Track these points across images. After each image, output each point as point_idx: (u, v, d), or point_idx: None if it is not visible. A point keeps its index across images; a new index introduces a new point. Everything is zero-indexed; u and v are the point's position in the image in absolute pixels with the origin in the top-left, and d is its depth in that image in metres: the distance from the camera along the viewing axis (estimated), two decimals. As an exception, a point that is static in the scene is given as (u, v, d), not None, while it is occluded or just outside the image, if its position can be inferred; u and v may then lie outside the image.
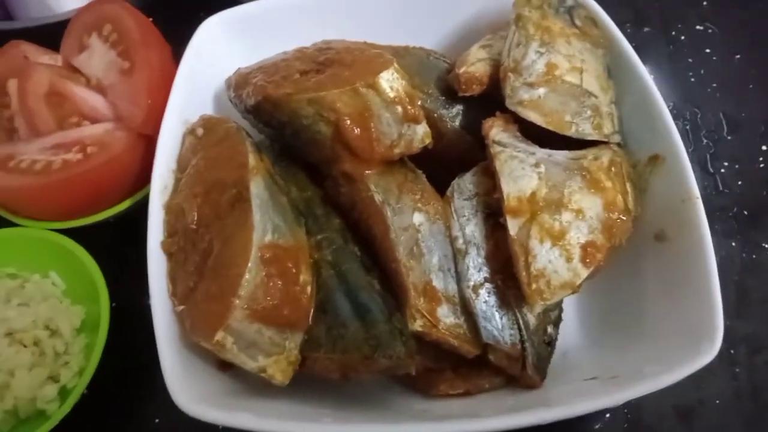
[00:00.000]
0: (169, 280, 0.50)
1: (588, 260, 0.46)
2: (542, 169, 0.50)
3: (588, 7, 0.60)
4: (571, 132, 0.53)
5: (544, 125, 0.53)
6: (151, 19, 0.66)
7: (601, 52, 0.58)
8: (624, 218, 0.49)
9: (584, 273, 0.46)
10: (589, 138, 0.54)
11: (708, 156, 0.73)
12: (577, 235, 0.47)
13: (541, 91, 0.53)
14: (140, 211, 0.54)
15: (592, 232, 0.48)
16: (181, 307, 0.48)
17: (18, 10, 0.77)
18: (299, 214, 0.52)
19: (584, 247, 0.47)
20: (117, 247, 0.64)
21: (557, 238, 0.47)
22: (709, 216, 0.50)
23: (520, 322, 0.49)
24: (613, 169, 0.51)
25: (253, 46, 0.63)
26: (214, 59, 0.62)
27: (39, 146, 0.60)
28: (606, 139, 0.54)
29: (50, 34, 0.66)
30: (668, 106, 0.54)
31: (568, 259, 0.46)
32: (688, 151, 0.52)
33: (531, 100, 0.53)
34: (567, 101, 0.53)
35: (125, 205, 0.62)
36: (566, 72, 0.54)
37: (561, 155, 0.52)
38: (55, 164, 0.58)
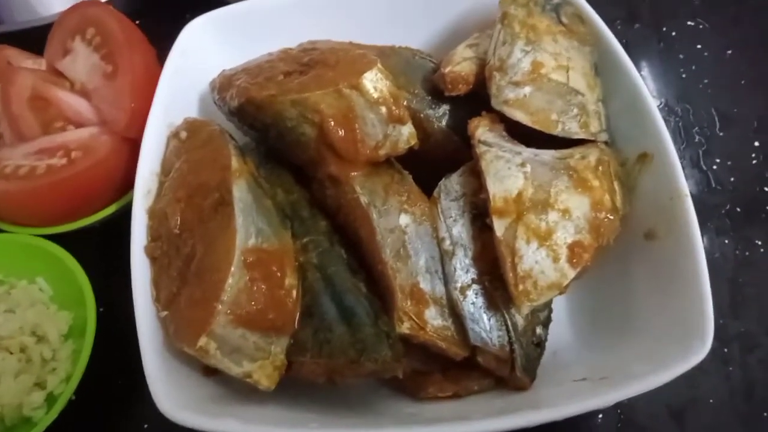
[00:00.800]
0: (153, 285, 0.50)
1: (575, 260, 0.46)
2: (528, 168, 0.49)
3: (575, 4, 0.59)
4: (558, 131, 0.53)
5: (530, 124, 0.52)
6: (138, 22, 0.65)
7: (588, 50, 0.57)
8: (612, 217, 0.48)
9: (571, 273, 0.46)
10: (576, 137, 0.53)
11: (700, 153, 0.72)
12: (564, 235, 0.47)
13: (527, 89, 0.53)
14: (126, 215, 0.53)
15: (579, 231, 0.47)
16: (165, 313, 0.48)
17: (2, 14, 0.76)
18: (285, 217, 0.51)
19: (571, 247, 0.46)
20: (103, 252, 0.64)
21: (544, 238, 0.46)
22: (702, 213, 0.49)
23: (509, 323, 0.48)
24: (600, 168, 0.50)
25: (239, 47, 0.62)
26: (199, 61, 0.61)
27: (23, 151, 0.60)
28: (593, 138, 0.54)
29: (34, 38, 0.66)
30: (659, 103, 0.54)
31: (555, 260, 0.46)
32: (680, 148, 0.52)
33: (517, 99, 0.52)
34: (553, 100, 0.53)
35: (111, 209, 0.61)
36: (552, 70, 0.54)
37: (547, 154, 0.52)
38: (39, 169, 0.58)
